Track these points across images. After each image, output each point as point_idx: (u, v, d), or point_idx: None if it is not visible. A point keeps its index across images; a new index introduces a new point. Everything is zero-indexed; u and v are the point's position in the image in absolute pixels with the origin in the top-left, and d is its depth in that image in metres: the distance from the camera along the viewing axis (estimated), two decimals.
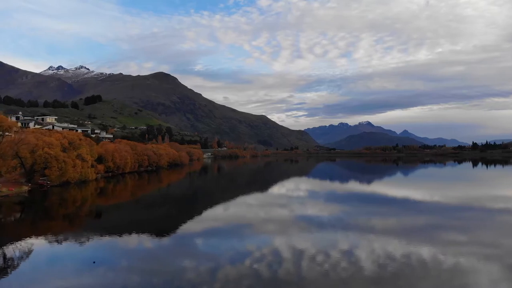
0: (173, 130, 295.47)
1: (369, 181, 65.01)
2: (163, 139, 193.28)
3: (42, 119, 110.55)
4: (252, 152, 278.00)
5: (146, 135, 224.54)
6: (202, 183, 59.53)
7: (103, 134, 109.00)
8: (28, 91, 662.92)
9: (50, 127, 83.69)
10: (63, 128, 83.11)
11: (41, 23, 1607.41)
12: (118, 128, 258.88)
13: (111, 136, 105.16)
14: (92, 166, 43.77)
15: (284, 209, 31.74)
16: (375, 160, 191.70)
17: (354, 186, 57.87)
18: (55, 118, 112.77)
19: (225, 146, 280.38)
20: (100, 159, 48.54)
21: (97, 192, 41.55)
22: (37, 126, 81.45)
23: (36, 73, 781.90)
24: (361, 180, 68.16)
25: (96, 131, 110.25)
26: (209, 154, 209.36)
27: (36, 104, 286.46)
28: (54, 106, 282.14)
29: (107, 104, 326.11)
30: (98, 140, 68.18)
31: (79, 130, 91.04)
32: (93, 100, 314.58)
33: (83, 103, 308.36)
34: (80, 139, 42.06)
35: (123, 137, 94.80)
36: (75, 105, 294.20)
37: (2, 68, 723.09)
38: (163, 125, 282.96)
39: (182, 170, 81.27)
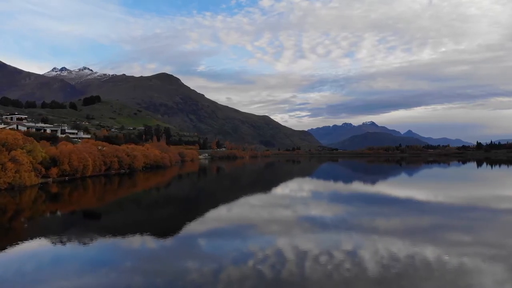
0: (172, 131, 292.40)
1: (372, 182, 63.32)
2: (158, 139, 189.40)
3: (11, 118, 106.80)
4: (252, 152, 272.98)
5: (144, 135, 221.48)
6: (179, 188, 54.79)
7: (81, 135, 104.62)
8: (31, 92, 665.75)
9: (15, 126, 79.80)
10: (28, 128, 79.11)
11: (44, 24, 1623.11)
12: (116, 128, 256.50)
13: (89, 136, 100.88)
14: (36, 169, 39.57)
15: (287, 210, 31.12)
16: (378, 161, 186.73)
17: (357, 186, 56.01)
18: (24, 117, 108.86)
19: (224, 147, 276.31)
20: (55, 162, 44.52)
21: (42, 199, 37.23)
22: (2, 126, 77.70)
23: (39, 75, 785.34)
24: (364, 181, 66.55)
25: (67, 131, 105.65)
26: (206, 155, 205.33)
27: (34, 105, 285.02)
28: (52, 107, 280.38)
29: (106, 104, 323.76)
30: (68, 140, 64.25)
31: (48, 130, 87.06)
32: (92, 100, 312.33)
33: (82, 104, 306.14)
34: (17, 139, 37.81)
35: (107, 138, 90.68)
36: (73, 106, 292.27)
37: (5, 70, 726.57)
38: (162, 125, 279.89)
39: (164, 173, 76.28)
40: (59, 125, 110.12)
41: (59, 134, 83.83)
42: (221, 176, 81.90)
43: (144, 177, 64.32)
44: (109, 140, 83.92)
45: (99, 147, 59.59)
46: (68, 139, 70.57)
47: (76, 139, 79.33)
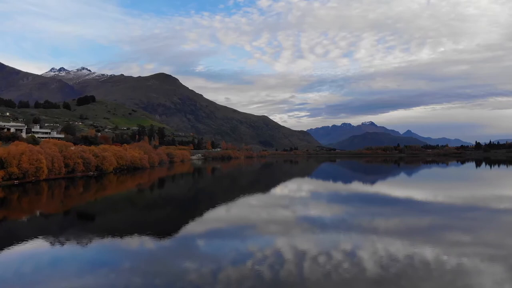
0: (168, 131, 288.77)
1: (371, 182, 63.55)
2: (150, 139, 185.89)
3: None
4: (247, 153, 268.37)
5: (137, 135, 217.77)
6: (151, 193, 50.49)
7: (54, 134, 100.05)
8: (29, 92, 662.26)
9: None
10: None
11: (44, 25, 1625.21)
12: (109, 128, 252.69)
13: (62, 136, 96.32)
14: None
15: (286, 210, 31.12)
16: (376, 161, 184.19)
17: (356, 186, 56.34)
18: None
19: (220, 147, 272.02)
20: (2, 164, 40.61)
21: None
22: None
23: (37, 75, 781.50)
24: (363, 181, 67.05)
25: (34, 130, 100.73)
26: (199, 155, 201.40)
27: (27, 105, 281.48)
28: (45, 107, 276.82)
29: (101, 104, 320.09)
30: (32, 140, 60.39)
31: (12, 129, 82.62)
32: (86, 100, 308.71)
33: (76, 104, 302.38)
34: None
35: (84, 138, 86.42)
36: (67, 106, 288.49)
37: (3, 70, 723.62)
38: (156, 125, 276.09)
39: (142, 175, 71.23)
40: (24, 125, 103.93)
41: (23, 134, 79.65)
42: (213, 178, 77.82)
43: (115, 180, 59.63)
44: (87, 140, 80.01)
45: (71, 148, 55.52)
46: (33, 139, 66.54)
47: (43, 139, 74.69)
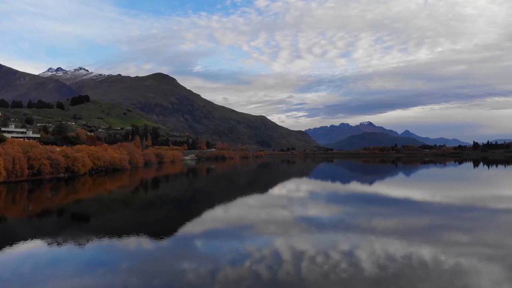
0: (163, 131, 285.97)
1: (369, 182, 63.23)
2: (142, 139, 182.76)
3: None
4: (242, 153, 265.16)
5: (130, 135, 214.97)
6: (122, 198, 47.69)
7: (30, 134, 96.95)
8: (26, 92, 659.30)
9: None
10: None
11: (42, 25, 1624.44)
12: (103, 128, 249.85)
13: (38, 136, 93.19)
14: None
15: (284, 210, 30.82)
16: (373, 161, 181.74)
17: (354, 187, 55.73)
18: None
19: (215, 147, 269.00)
20: None
21: None
22: None
23: (34, 75, 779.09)
24: (361, 181, 66.68)
25: (8, 129, 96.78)
26: (193, 155, 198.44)
27: (20, 105, 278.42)
28: (38, 107, 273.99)
29: (95, 104, 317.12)
30: (1, 140, 57.55)
31: None
32: (80, 100, 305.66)
33: (70, 104, 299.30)
34: None
35: (65, 138, 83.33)
36: (60, 106, 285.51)
37: (0, 70, 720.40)
38: (150, 125, 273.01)
39: (122, 177, 67.61)
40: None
41: None
42: (208, 178, 74.66)
43: (90, 182, 55.99)
44: (68, 140, 77.00)
45: (37, 148, 52.39)
46: (2, 139, 63.19)
47: (16, 139, 71.52)
